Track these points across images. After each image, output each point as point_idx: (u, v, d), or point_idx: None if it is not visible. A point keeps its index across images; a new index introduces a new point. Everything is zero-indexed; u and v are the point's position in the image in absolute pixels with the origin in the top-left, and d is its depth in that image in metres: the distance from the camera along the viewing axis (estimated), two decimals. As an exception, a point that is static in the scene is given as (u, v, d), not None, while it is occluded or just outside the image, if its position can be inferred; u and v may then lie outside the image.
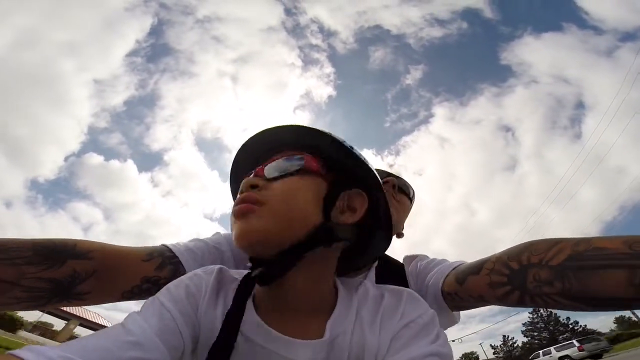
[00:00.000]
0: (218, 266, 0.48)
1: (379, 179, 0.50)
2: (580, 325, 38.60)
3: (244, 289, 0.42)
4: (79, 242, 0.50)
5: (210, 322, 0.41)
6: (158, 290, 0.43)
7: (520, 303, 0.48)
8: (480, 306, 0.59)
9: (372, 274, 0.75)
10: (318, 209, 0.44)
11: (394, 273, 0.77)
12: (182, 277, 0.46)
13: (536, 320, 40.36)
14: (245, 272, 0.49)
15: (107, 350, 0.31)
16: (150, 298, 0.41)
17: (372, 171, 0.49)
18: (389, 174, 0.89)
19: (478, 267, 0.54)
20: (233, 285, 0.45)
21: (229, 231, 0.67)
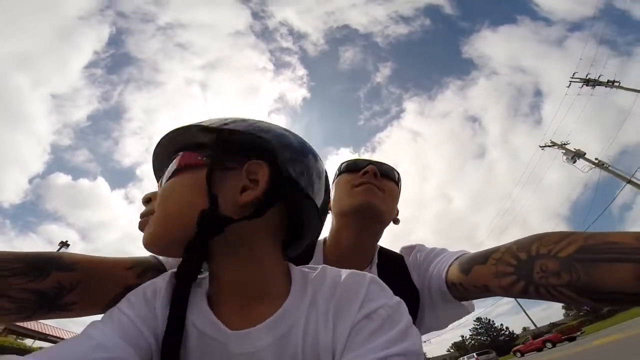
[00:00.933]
0: (173, 271, 0.48)
1: (269, 140, 0.43)
2: (511, 331, 50.03)
3: (180, 286, 0.43)
4: (64, 255, 0.50)
5: (164, 322, 0.41)
6: None
7: (524, 294, 0.47)
8: (484, 297, 0.58)
9: (374, 268, 0.75)
10: (202, 198, 0.41)
11: (394, 266, 0.76)
12: (140, 286, 0.47)
13: (479, 327, 52.02)
14: (203, 274, 0.49)
15: (74, 356, 0.32)
16: (109, 311, 0.42)
17: (256, 135, 0.43)
18: (370, 162, 0.83)
19: (485, 257, 0.54)
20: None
21: None
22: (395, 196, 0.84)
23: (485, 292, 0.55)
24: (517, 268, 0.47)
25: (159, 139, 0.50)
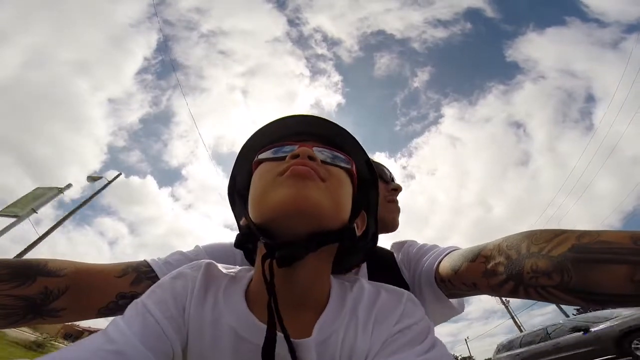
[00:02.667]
0: (206, 261, 0.46)
1: (378, 203, 0.53)
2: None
3: (269, 272, 0.38)
4: (51, 261, 0.50)
5: (198, 320, 0.39)
6: None
7: (512, 294, 0.45)
8: (472, 294, 0.57)
9: (363, 267, 0.73)
10: (349, 210, 0.45)
11: (385, 263, 0.75)
12: (167, 276, 0.44)
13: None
14: (234, 268, 0.48)
15: None
16: (135, 301, 0.40)
17: (378, 198, 0.53)
18: (392, 176, 0.89)
19: (474, 254, 0.52)
20: (224, 281, 0.44)
21: (215, 242, 0.69)
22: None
23: (474, 290, 0.53)
24: (506, 267, 0.45)
25: (330, 121, 0.49)
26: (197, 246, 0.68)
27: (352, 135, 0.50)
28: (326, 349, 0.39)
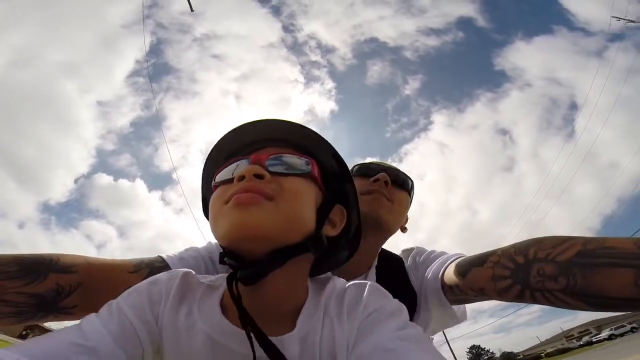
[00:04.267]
0: (183, 270, 0.47)
1: (355, 194, 0.51)
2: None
3: (236, 294, 0.39)
4: (62, 256, 0.49)
5: (172, 327, 0.40)
6: None
7: (519, 298, 0.47)
8: (479, 300, 0.58)
9: (372, 272, 0.74)
10: (314, 217, 0.44)
11: (394, 269, 0.75)
12: (144, 281, 0.44)
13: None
14: (212, 277, 0.49)
15: (62, 355, 0.31)
16: (109, 302, 0.41)
17: (355, 189, 0.51)
18: (383, 168, 0.79)
19: (482, 260, 0.53)
20: (200, 289, 0.45)
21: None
22: (405, 206, 0.82)
23: (481, 295, 0.54)
24: (513, 272, 0.47)
25: (281, 119, 0.47)
26: (209, 242, 0.68)
27: (314, 132, 0.47)
28: (307, 344, 0.40)
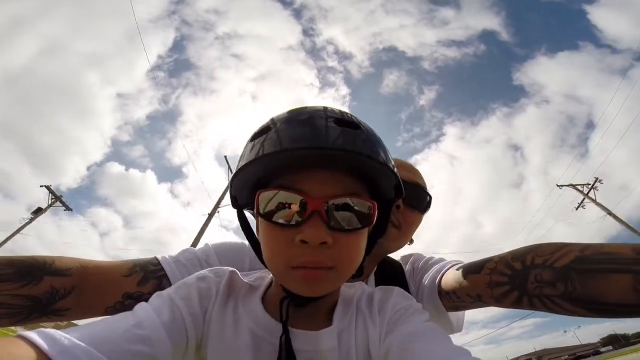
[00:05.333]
0: (230, 269, 0.50)
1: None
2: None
3: (285, 314, 0.43)
4: (58, 259, 0.50)
5: (219, 324, 0.44)
6: None
7: (516, 304, 0.47)
8: (476, 307, 0.58)
9: (371, 278, 0.74)
10: (364, 252, 0.46)
11: (393, 275, 0.75)
12: (192, 276, 0.47)
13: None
14: (252, 275, 0.53)
15: (116, 343, 0.32)
16: (160, 293, 0.43)
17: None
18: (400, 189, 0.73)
19: (479, 266, 0.54)
20: (243, 290, 0.49)
21: (227, 241, 0.69)
22: (415, 227, 0.74)
23: (478, 301, 0.54)
24: (511, 278, 0.47)
25: (366, 137, 0.41)
26: (206, 244, 0.68)
27: (384, 160, 0.41)
28: (343, 338, 0.45)
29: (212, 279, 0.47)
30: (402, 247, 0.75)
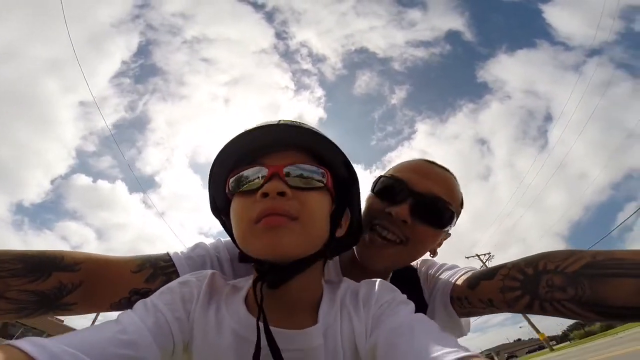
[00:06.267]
0: (210, 271, 0.51)
1: (359, 196, 0.55)
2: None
3: (259, 295, 0.43)
4: (67, 254, 0.50)
5: (202, 326, 0.44)
6: None
7: (528, 309, 0.48)
8: (488, 313, 0.58)
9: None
10: (328, 226, 0.49)
11: (408, 280, 0.75)
12: (175, 282, 0.48)
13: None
14: (237, 280, 0.54)
15: (102, 347, 0.33)
16: (144, 300, 0.44)
17: (359, 192, 0.55)
18: (411, 193, 0.63)
19: (492, 272, 0.55)
20: (225, 290, 0.50)
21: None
22: (428, 243, 0.67)
23: (490, 307, 0.55)
24: (523, 283, 0.48)
25: (299, 124, 0.47)
26: (218, 240, 0.68)
27: (327, 139, 0.48)
28: (329, 336, 0.45)
29: (194, 283, 0.48)
30: (407, 263, 0.71)
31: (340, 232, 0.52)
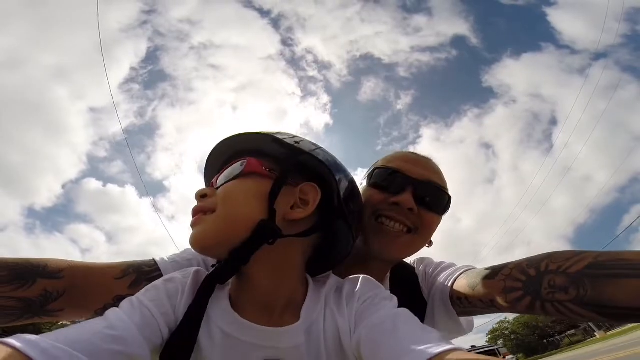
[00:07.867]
0: (194, 268, 0.51)
1: (330, 168, 0.49)
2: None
3: (206, 286, 0.46)
4: (51, 262, 0.50)
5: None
6: None
7: (529, 309, 0.47)
8: (488, 312, 0.57)
9: (386, 282, 0.74)
10: (262, 207, 0.46)
11: (406, 278, 0.75)
12: (160, 280, 0.48)
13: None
14: None
15: (91, 343, 0.33)
16: (130, 297, 0.44)
17: (321, 161, 0.49)
18: (411, 181, 0.63)
19: (494, 272, 0.54)
20: None
21: None
22: (433, 229, 0.69)
23: (491, 307, 0.54)
24: (525, 284, 0.47)
25: (226, 138, 0.52)
26: None
27: (251, 132, 0.50)
28: (312, 334, 0.45)
29: (178, 279, 0.48)
30: (418, 251, 0.71)
31: (301, 212, 0.47)
